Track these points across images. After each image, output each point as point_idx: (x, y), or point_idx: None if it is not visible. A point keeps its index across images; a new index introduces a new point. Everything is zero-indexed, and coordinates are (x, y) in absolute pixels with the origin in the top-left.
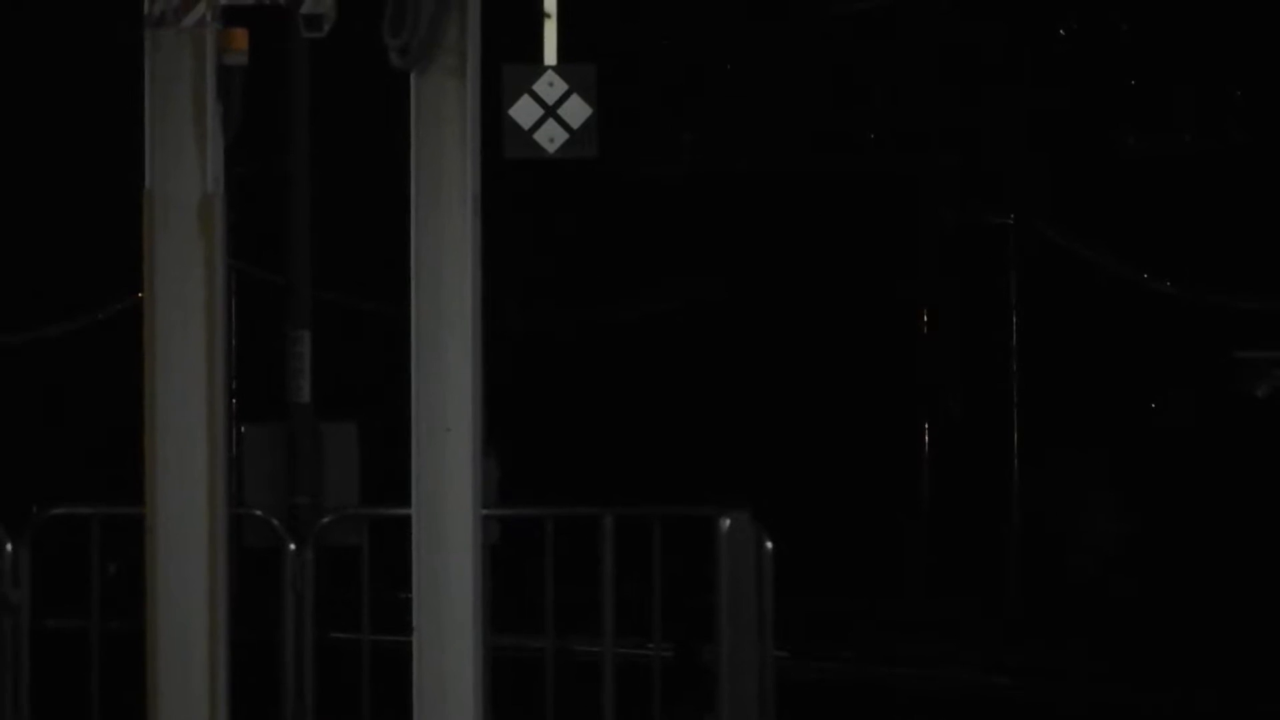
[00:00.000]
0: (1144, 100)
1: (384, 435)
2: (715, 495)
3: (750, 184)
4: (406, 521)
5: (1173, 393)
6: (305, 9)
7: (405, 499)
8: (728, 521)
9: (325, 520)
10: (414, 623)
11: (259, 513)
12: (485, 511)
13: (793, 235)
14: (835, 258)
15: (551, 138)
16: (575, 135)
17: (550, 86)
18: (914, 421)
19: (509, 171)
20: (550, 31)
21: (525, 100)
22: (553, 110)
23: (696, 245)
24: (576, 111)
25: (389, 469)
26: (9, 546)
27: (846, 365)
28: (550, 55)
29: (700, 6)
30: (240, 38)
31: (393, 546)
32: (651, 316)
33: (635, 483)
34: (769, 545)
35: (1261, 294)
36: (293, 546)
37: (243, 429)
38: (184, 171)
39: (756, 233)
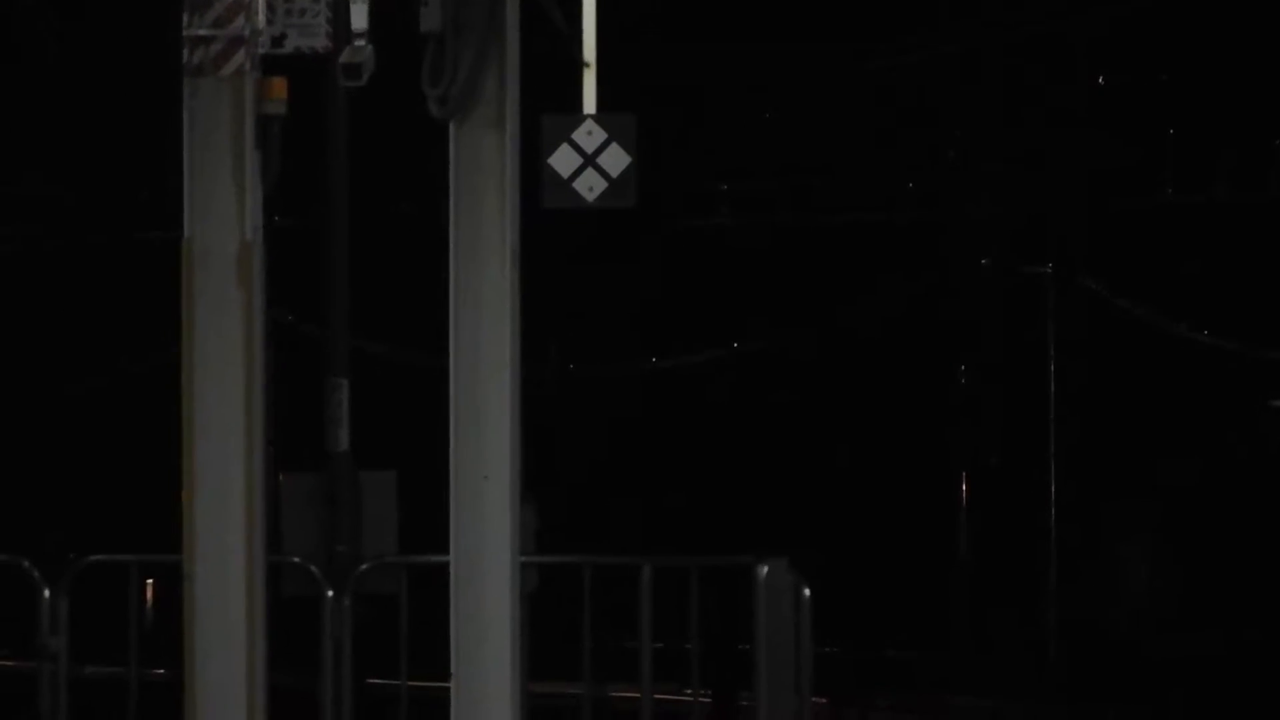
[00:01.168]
0: (1183, 151)
1: (423, 484)
2: (755, 545)
3: (789, 236)
4: (445, 569)
5: (1216, 439)
6: (343, 58)
7: (445, 547)
8: (765, 569)
9: (363, 568)
10: (452, 669)
11: (297, 560)
12: (523, 559)
13: (831, 286)
14: (875, 309)
15: (591, 187)
16: (614, 184)
17: (589, 135)
18: (953, 472)
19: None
20: (589, 80)
21: (564, 149)
22: (592, 159)
23: (738, 297)
24: (616, 160)
25: (429, 517)
26: (47, 593)
27: (886, 416)
28: (589, 104)
29: (733, 62)
30: (279, 87)
31: (432, 594)
32: (692, 366)
33: (676, 533)
34: (807, 593)
35: None
36: (330, 594)
37: (281, 477)
38: (222, 220)
39: (795, 284)
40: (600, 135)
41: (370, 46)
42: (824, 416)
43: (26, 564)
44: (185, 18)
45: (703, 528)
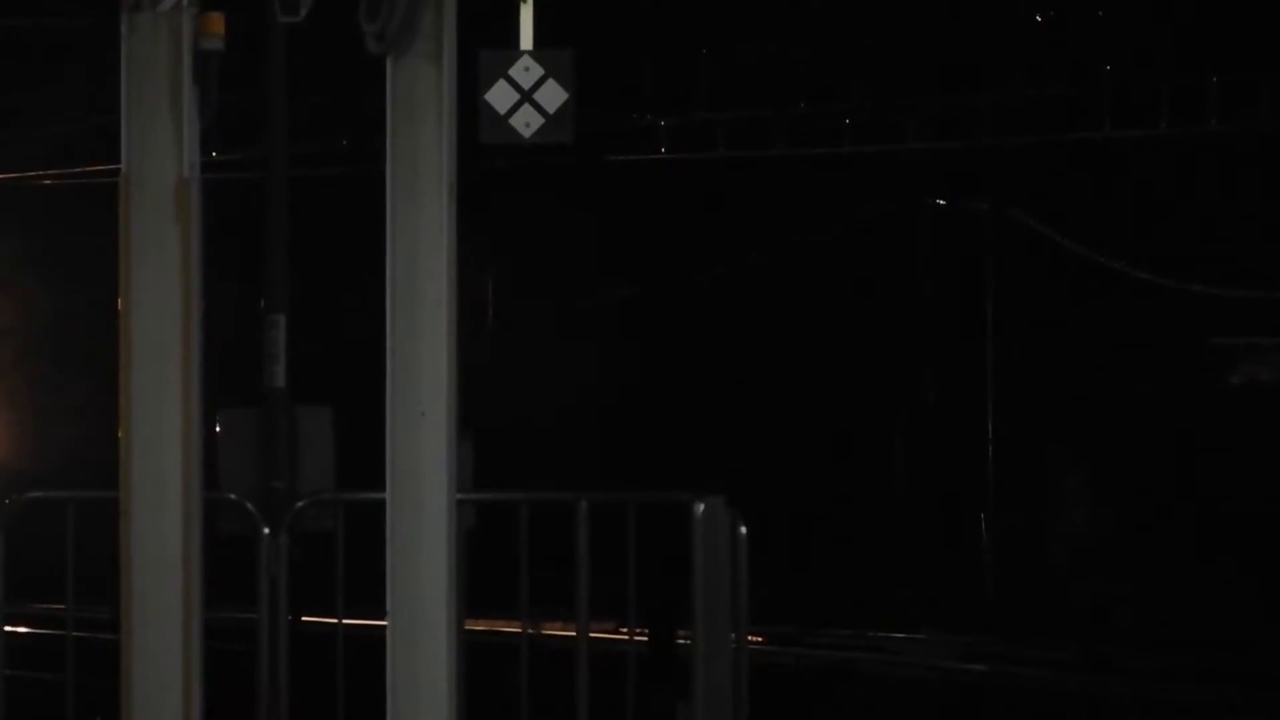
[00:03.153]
0: (1122, 88)
1: (361, 420)
2: (694, 482)
3: (727, 171)
4: (383, 506)
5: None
6: None
7: (382, 484)
8: (702, 506)
9: (299, 505)
10: (388, 607)
11: (234, 497)
12: (460, 496)
13: (769, 221)
14: (813, 245)
15: (527, 123)
16: (551, 120)
17: (526, 71)
18: (889, 410)
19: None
20: (526, 16)
21: (501, 85)
22: (529, 95)
23: (676, 232)
24: (553, 97)
25: (367, 454)
26: None
27: (824, 352)
28: (526, 40)
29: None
30: (217, 22)
31: (370, 531)
32: (630, 301)
33: (618, 469)
34: (743, 530)
35: (1239, 281)
36: (267, 531)
37: (218, 413)
38: (160, 155)
39: (732, 220)
40: (537, 71)
41: None
42: (762, 351)
43: None
44: None
45: (643, 464)
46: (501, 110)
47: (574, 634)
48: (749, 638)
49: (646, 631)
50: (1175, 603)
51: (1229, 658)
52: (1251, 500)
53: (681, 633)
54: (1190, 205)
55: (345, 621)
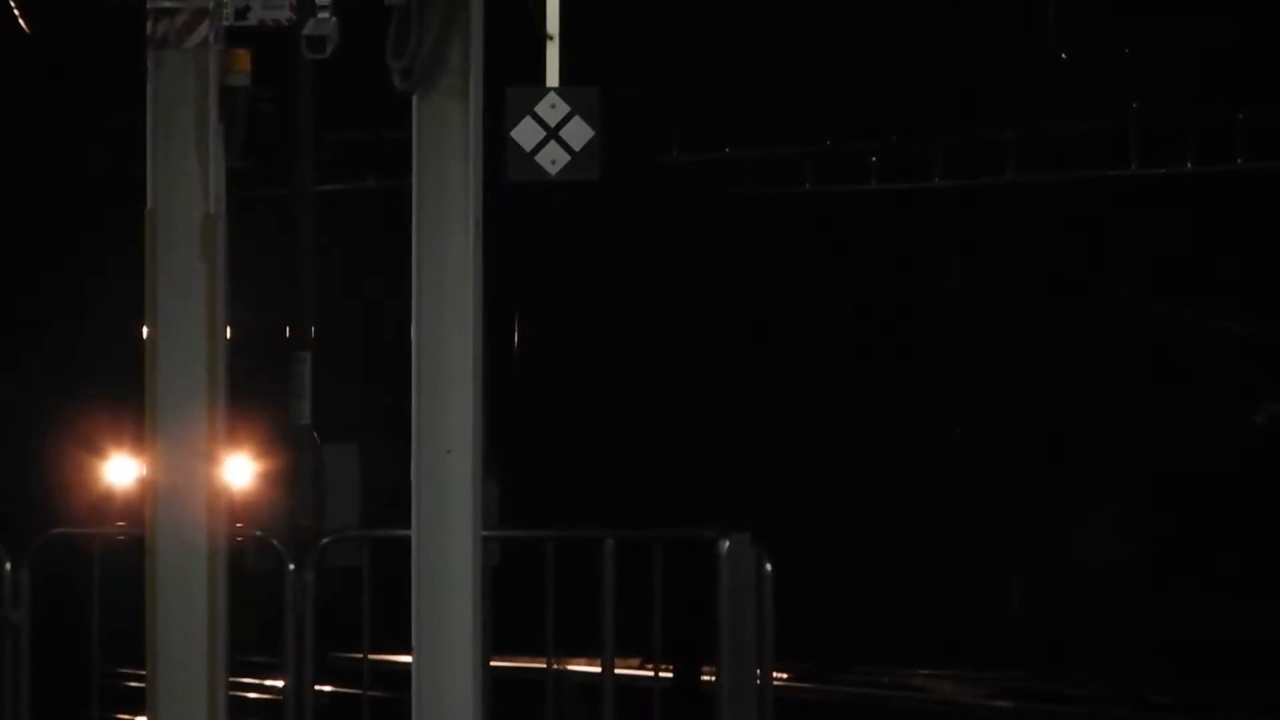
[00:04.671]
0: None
1: (388, 458)
2: (719, 519)
3: (751, 204)
4: (408, 543)
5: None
6: (308, 30)
7: (408, 521)
8: (727, 544)
9: (325, 541)
10: (414, 643)
11: (260, 534)
12: (485, 533)
13: (800, 259)
14: (844, 285)
15: (554, 160)
16: (577, 157)
17: (552, 109)
18: (918, 442)
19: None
20: (552, 53)
21: (527, 122)
22: (555, 132)
23: (692, 264)
24: (578, 134)
25: (394, 491)
26: (8, 566)
27: (853, 390)
28: (553, 77)
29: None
30: (243, 59)
31: (396, 566)
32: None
33: (646, 506)
34: (769, 567)
35: (1265, 318)
36: (292, 567)
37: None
38: (186, 192)
39: (756, 255)
40: (563, 108)
41: (334, 18)
42: (783, 384)
43: None
44: None
45: (670, 502)
46: (528, 147)
47: (599, 669)
48: (774, 674)
49: (672, 667)
50: (1206, 636)
51: (1258, 690)
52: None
53: (706, 669)
54: (1219, 244)
55: (371, 657)
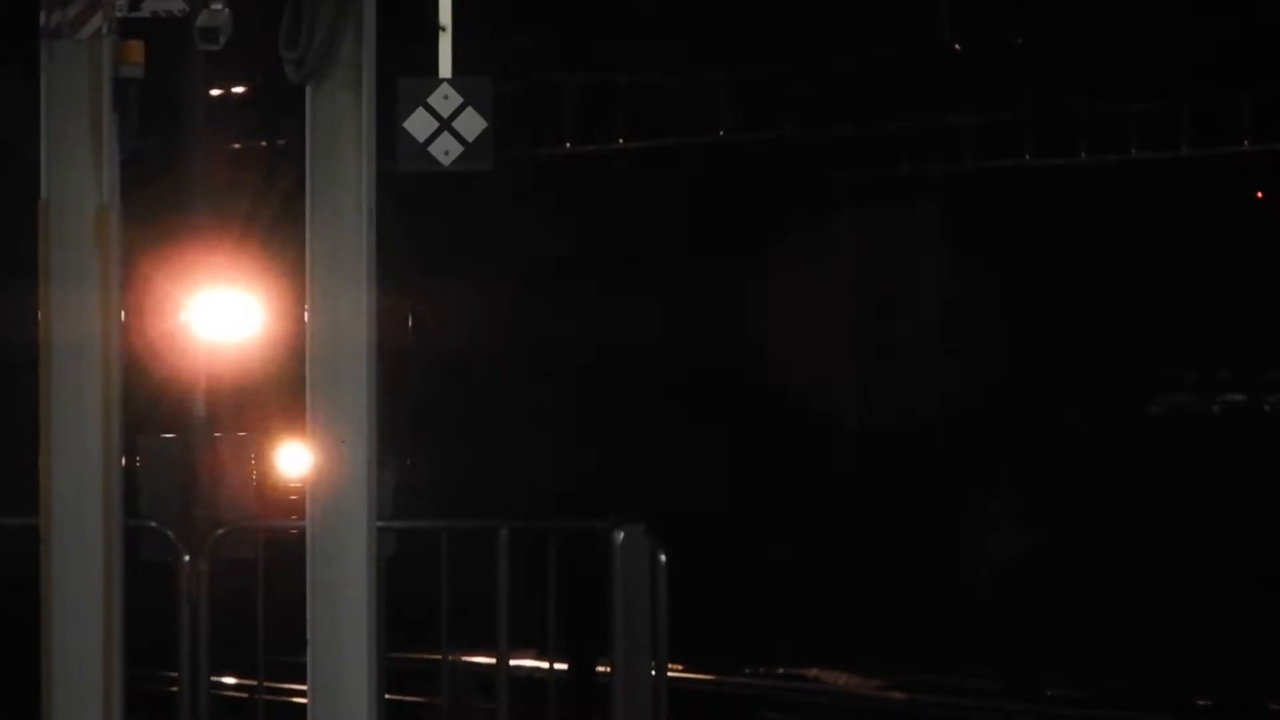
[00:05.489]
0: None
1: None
2: (618, 509)
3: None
4: (304, 534)
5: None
6: (200, 21)
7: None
8: (622, 534)
9: (220, 532)
10: (309, 635)
11: (154, 524)
12: (380, 523)
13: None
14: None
15: (447, 150)
16: (470, 148)
17: (445, 99)
18: (820, 431)
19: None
20: (445, 44)
21: (420, 113)
22: (448, 123)
23: (603, 250)
24: (472, 125)
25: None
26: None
27: (767, 378)
28: (445, 68)
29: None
30: (136, 50)
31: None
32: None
33: (546, 496)
34: (663, 558)
35: (1172, 308)
36: (187, 558)
37: (139, 442)
38: (79, 183)
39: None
40: (456, 99)
41: (227, 10)
42: (687, 368)
43: None
44: None
45: (571, 491)
46: (420, 138)
47: (495, 661)
48: (669, 666)
49: (567, 658)
50: (1101, 629)
51: (1157, 685)
52: (1177, 525)
53: (602, 659)
54: (1121, 232)
55: (265, 641)
